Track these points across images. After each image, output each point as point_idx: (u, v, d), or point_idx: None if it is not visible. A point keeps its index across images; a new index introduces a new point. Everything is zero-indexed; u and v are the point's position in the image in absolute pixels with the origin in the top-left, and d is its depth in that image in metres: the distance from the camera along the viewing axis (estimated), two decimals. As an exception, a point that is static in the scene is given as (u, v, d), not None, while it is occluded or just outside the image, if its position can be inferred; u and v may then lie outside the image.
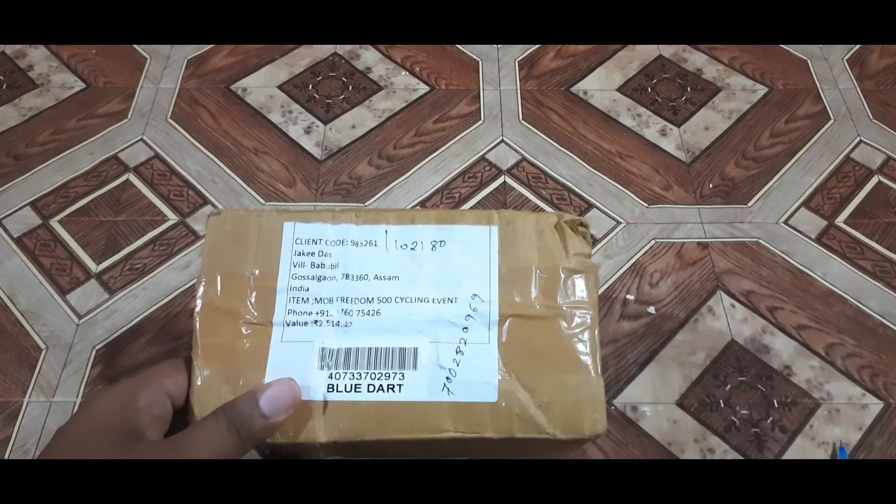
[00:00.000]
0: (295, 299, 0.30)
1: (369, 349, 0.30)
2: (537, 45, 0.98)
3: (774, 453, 0.63)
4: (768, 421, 0.65)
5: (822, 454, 0.63)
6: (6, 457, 0.62)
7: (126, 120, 0.88)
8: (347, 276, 0.30)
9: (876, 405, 0.66)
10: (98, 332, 0.70)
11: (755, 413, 0.65)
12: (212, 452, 0.25)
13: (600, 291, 0.73)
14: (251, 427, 0.26)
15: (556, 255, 0.30)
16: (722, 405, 0.66)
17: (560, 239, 0.31)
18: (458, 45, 0.98)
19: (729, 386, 0.67)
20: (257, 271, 0.30)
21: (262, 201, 0.80)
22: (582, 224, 0.31)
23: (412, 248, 0.31)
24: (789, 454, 0.63)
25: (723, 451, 0.63)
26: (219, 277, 0.30)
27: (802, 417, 0.65)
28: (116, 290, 0.73)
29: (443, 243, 0.31)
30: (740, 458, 0.63)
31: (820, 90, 0.92)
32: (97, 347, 0.69)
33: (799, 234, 0.78)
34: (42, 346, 0.69)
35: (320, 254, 0.31)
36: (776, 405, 0.66)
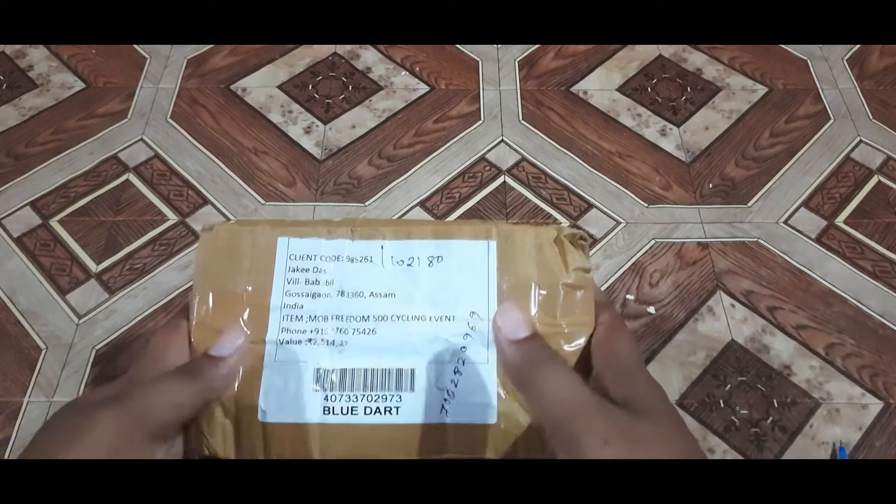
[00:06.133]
0: (289, 317, 0.29)
1: (365, 370, 0.29)
2: (537, 45, 0.98)
3: (774, 453, 0.63)
4: (768, 421, 0.65)
5: (822, 454, 0.63)
6: (6, 457, 0.62)
7: (126, 120, 0.88)
8: (343, 294, 0.30)
9: (876, 405, 0.66)
10: (98, 332, 0.70)
11: (755, 413, 0.65)
12: (170, 395, 0.25)
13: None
14: (202, 364, 0.26)
15: (556, 271, 0.30)
16: (722, 405, 0.66)
17: (560, 254, 0.30)
18: (458, 45, 0.98)
19: (729, 386, 0.67)
20: (250, 288, 0.29)
21: (262, 201, 0.80)
22: (582, 238, 0.30)
23: (409, 265, 0.30)
24: (789, 454, 0.63)
25: (723, 450, 0.63)
26: (211, 294, 0.29)
27: (802, 417, 0.65)
28: (116, 289, 0.73)
29: (440, 259, 0.30)
30: (740, 458, 0.63)
31: (820, 90, 0.93)
32: (97, 347, 0.69)
33: (799, 234, 0.78)
34: (42, 346, 0.69)
35: (315, 270, 0.30)
36: (776, 405, 0.66)
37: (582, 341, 0.29)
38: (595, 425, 0.22)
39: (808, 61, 0.96)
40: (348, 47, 0.97)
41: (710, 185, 0.82)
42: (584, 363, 0.29)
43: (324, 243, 0.30)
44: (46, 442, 0.23)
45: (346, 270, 0.30)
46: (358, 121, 0.89)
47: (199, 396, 0.27)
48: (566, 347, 0.29)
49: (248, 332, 0.29)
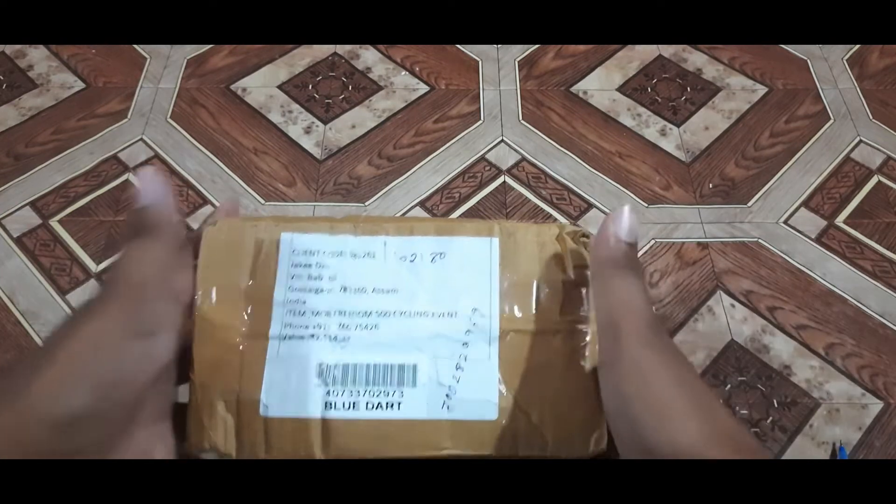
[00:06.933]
0: (291, 312, 0.30)
1: (368, 365, 0.29)
2: (537, 45, 0.98)
3: (774, 453, 0.63)
4: (768, 421, 0.65)
5: (822, 454, 0.63)
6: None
7: (126, 120, 0.88)
8: (345, 289, 0.30)
9: (876, 405, 0.66)
10: (98, 332, 0.70)
11: (755, 413, 0.65)
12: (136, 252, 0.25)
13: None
14: (133, 217, 0.26)
15: (558, 269, 0.30)
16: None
17: (562, 251, 0.30)
18: (458, 45, 0.98)
19: (729, 386, 0.67)
20: (253, 283, 0.30)
21: (262, 201, 0.80)
22: (584, 235, 0.31)
23: (411, 261, 0.30)
24: (789, 454, 0.63)
25: (723, 450, 0.63)
26: (214, 290, 0.29)
27: (802, 417, 0.65)
28: (116, 290, 0.73)
29: (442, 255, 0.31)
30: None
31: (820, 90, 0.93)
32: (97, 347, 0.69)
33: (799, 234, 0.78)
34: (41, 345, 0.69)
35: (318, 266, 0.30)
36: (776, 405, 0.66)
37: (587, 339, 0.29)
38: (640, 329, 0.24)
39: (808, 61, 0.96)
40: (348, 47, 0.97)
41: (710, 185, 0.82)
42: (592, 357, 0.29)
43: (326, 239, 0.31)
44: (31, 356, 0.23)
45: (349, 266, 0.30)
46: (358, 121, 0.89)
47: (152, 242, 0.26)
48: (568, 346, 0.29)
49: (249, 325, 0.29)
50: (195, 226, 0.80)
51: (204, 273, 0.29)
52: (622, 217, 0.28)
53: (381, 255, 0.30)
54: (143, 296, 0.24)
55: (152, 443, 0.26)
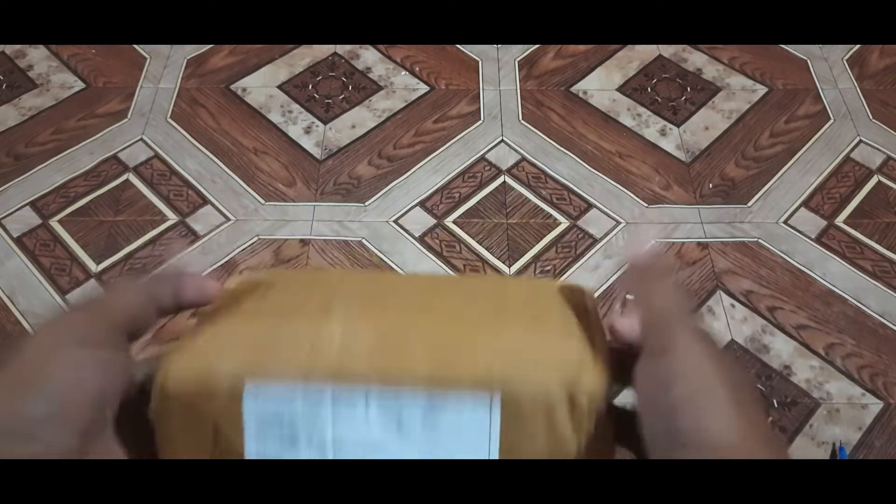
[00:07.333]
0: None
1: None
2: (537, 45, 0.98)
3: (774, 453, 0.63)
4: (768, 421, 0.65)
5: (822, 454, 0.63)
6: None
7: (126, 120, 0.88)
8: (322, 456, 0.25)
9: (875, 405, 0.66)
10: (98, 332, 0.70)
11: (755, 413, 0.65)
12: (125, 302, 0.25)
13: (600, 291, 0.73)
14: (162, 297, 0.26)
15: (568, 445, 0.25)
16: (722, 405, 0.66)
17: (574, 423, 0.25)
18: (458, 45, 0.98)
19: (729, 386, 0.67)
20: (218, 450, 0.25)
21: (262, 201, 0.80)
22: (601, 398, 0.27)
23: (398, 425, 0.25)
24: (789, 454, 0.63)
25: (723, 450, 0.63)
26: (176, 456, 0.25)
27: (802, 417, 0.65)
28: (116, 289, 0.73)
29: (433, 412, 0.25)
30: (740, 457, 0.63)
31: (820, 90, 0.92)
32: (97, 347, 0.69)
33: (799, 234, 0.78)
34: (42, 345, 0.69)
35: (290, 426, 0.25)
36: (776, 405, 0.66)
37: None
38: (685, 326, 0.25)
39: (808, 61, 0.96)
40: (348, 47, 0.97)
41: (710, 185, 0.82)
42: None
43: (299, 394, 0.25)
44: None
45: (327, 428, 0.25)
46: (358, 121, 0.89)
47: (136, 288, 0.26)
48: None
49: None
50: (195, 225, 0.80)
51: (161, 440, 0.25)
52: (636, 238, 0.29)
53: (363, 415, 0.25)
54: (96, 314, 0.24)
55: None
